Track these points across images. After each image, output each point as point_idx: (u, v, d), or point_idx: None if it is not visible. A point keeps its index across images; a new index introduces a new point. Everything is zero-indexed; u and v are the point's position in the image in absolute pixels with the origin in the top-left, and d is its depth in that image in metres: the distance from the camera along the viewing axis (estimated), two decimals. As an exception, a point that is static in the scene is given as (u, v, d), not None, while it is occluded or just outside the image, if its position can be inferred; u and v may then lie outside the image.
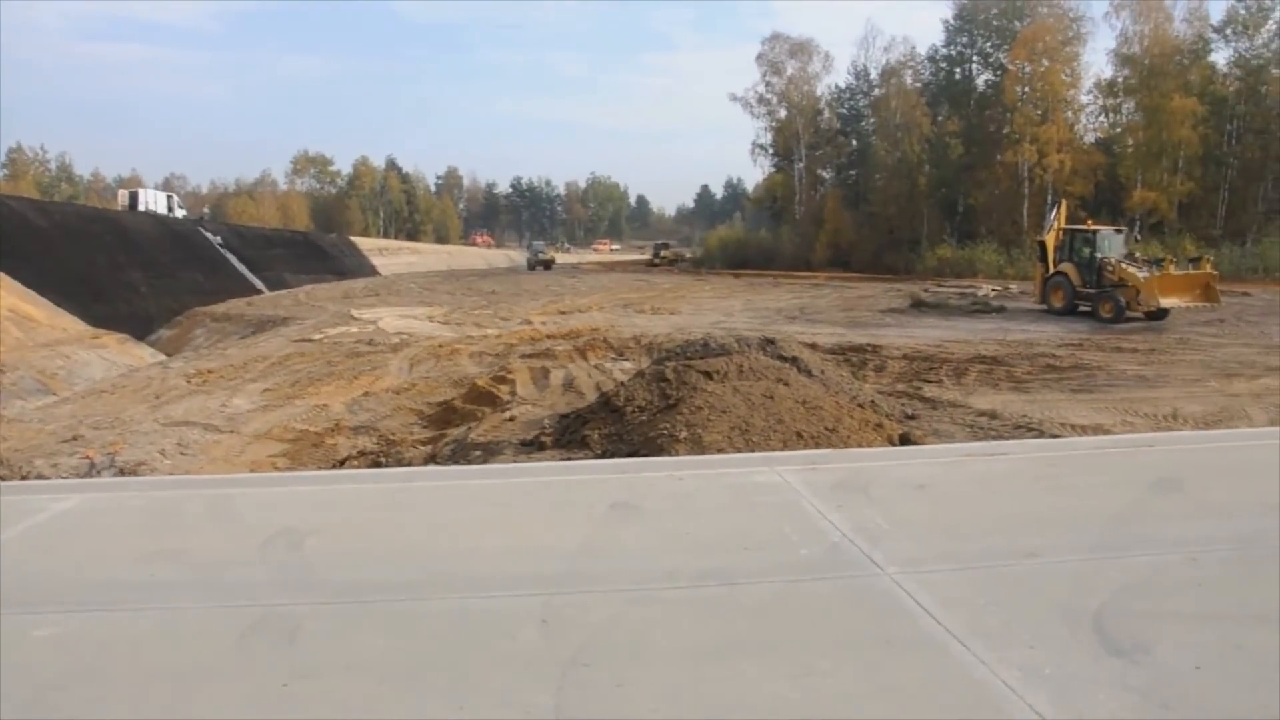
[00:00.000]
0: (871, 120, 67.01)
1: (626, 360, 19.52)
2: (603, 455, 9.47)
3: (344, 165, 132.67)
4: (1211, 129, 57.76)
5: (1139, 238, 39.76)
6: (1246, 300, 33.49)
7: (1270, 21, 60.42)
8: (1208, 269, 28.58)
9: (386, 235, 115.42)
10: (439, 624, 4.25)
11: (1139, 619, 4.23)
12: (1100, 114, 64.21)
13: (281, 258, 58.59)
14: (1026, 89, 59.49)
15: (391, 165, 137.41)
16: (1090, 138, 63.38)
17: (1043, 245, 31.14)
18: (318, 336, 26.01)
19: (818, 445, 8.58)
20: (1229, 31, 60.99)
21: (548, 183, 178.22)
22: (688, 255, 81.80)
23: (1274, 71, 59.76)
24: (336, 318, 31.21)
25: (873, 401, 11.89)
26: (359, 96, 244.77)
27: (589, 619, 4.27)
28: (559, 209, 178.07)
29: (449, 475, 7.39)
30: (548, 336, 24.54)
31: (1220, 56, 61.69)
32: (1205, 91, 58.09)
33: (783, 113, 68.96)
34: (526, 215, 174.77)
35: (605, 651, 3.96)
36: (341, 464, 12.54)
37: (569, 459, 9.40)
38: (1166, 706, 3.52)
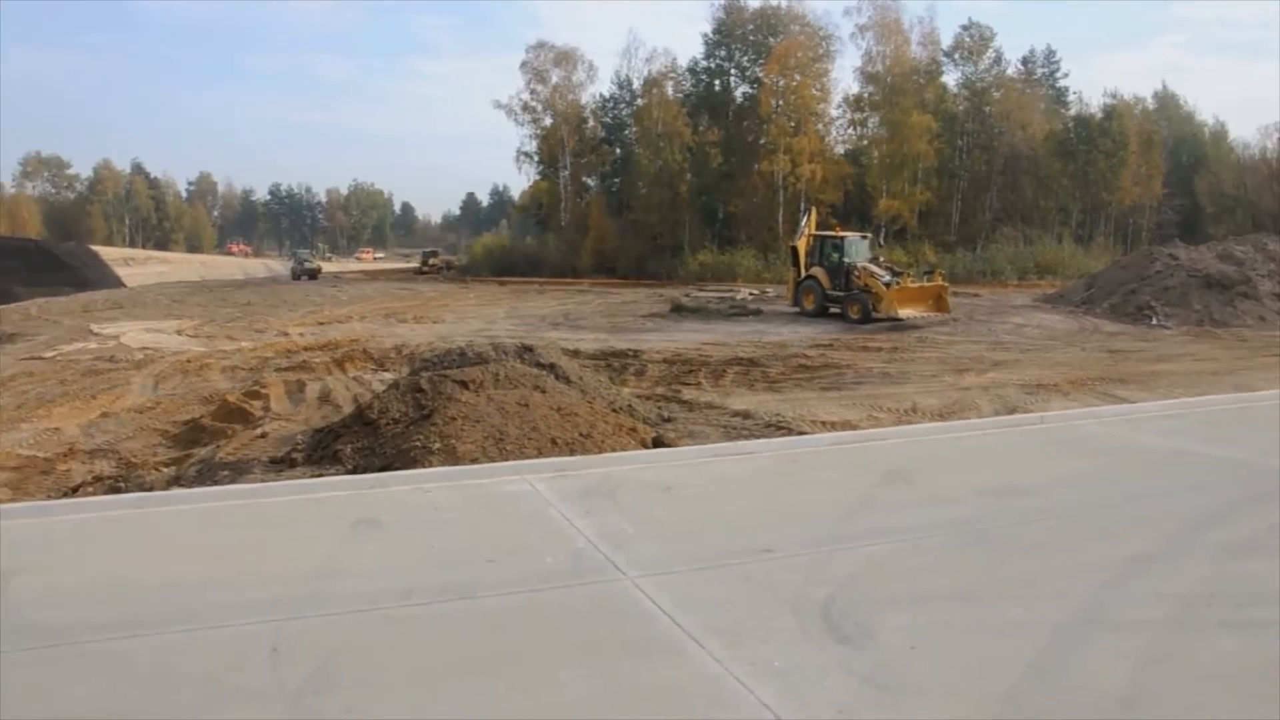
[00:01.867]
0: (634, 129, 68.14)
1: (387, 371, 19.05)
2: (355, 470, 9.18)
3: (83, 169, 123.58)
4: (945, 144, 62.03)
5: (883, 243, 42.13)
6: (977, 301, 36.06)
7: (990, 49, 65.84)
8: (940, 281, 30.66)
9: (133, 244, 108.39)
10: (159, 662, 3.97)
11: (863, 606, 4.45)
12: (849, 127, 67.75)
13: (9, 268, 53.93)
14: (781, 102, 62.00)
15: (138, 169, 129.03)
16: (840, 149, 66.74)
17: (795, 250, 32.52)
18: (50, 354, 24.10)
19: (572, 452, 8.61)
20: (957, 56, 65.94)
21: (308, 189, 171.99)
22: (457, 263, 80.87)
23: (995, 94, 64.97)
24: (74, 333, 29.02)
25: (630, 406, 12.05)
26: (100, 96, 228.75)
27: (322, 644, 4.11)
28: (320, 216, 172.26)
29: (184, 499, 6.96)
30: (305, 348, 23.63)
31: (951, 78, 66.58)
32: (939, 109, 62.42)
33: (548, 121, 69.16)
34: (286, 223, 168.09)
35: (338, 677, 3.82)
36: (74, 491, 11.64)
37: (320, 475, 9.06)
38: (884, 687, 3.71)
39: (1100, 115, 66.40)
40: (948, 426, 9.49)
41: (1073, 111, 69.87)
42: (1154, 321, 28.17)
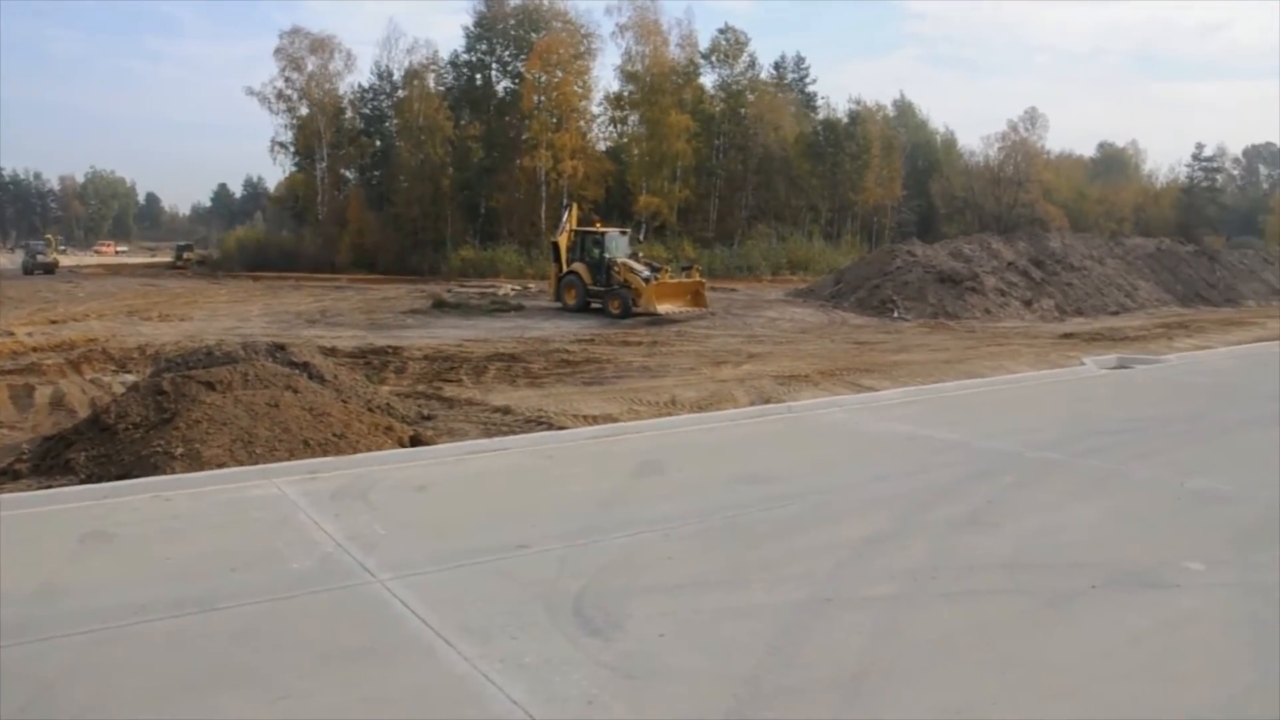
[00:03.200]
0: (395, 121, 66.72)
1: (129, 373, 17.87)
2: (89, 480, 8.55)
3: None
4: (703, 143, 63.98)
5: (643, 239, 42.91)
6: (733, 295, 37.35)
7: (745, 53, 68.36)
8: (697, 277, 31.60)
9: None
10: None
11: (615, 598, 4.50)
12: (610, 124, 68.74)
13: None
14: (543, 98, 62.12)
15: None
16: (602, 146, 67.55)
17: (556, 246, 32.71)
18: None
19: (325, 453, 8.34)
20: (714, 58, 68.07)
21: (38, 175, 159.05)
22: (209, 257, 76.65)
23: (749, 96, 67.50)
24: None
25: (388, 404, 11.79)
26: None
27: (42, 672, 3.79)
28: (54, 206, 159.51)
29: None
30: (34, 349, 21.83)
31: (708, 80, 68.65)
32: (697, 109, 64.25)
33: (304, 110, 66.71)
34: (12, 212, 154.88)
35: (60, 705, 3.53)
36: None
37: (47, 487, 8.39)
38: (632, 676, 3.76)
39: (846, 120, 70.21)
40: (703, 418, 9.76)
41: (821, 116, 73.61)
42: (895, 315, 29.98)
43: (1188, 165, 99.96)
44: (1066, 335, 25.95)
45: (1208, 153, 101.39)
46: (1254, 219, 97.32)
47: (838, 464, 7.30)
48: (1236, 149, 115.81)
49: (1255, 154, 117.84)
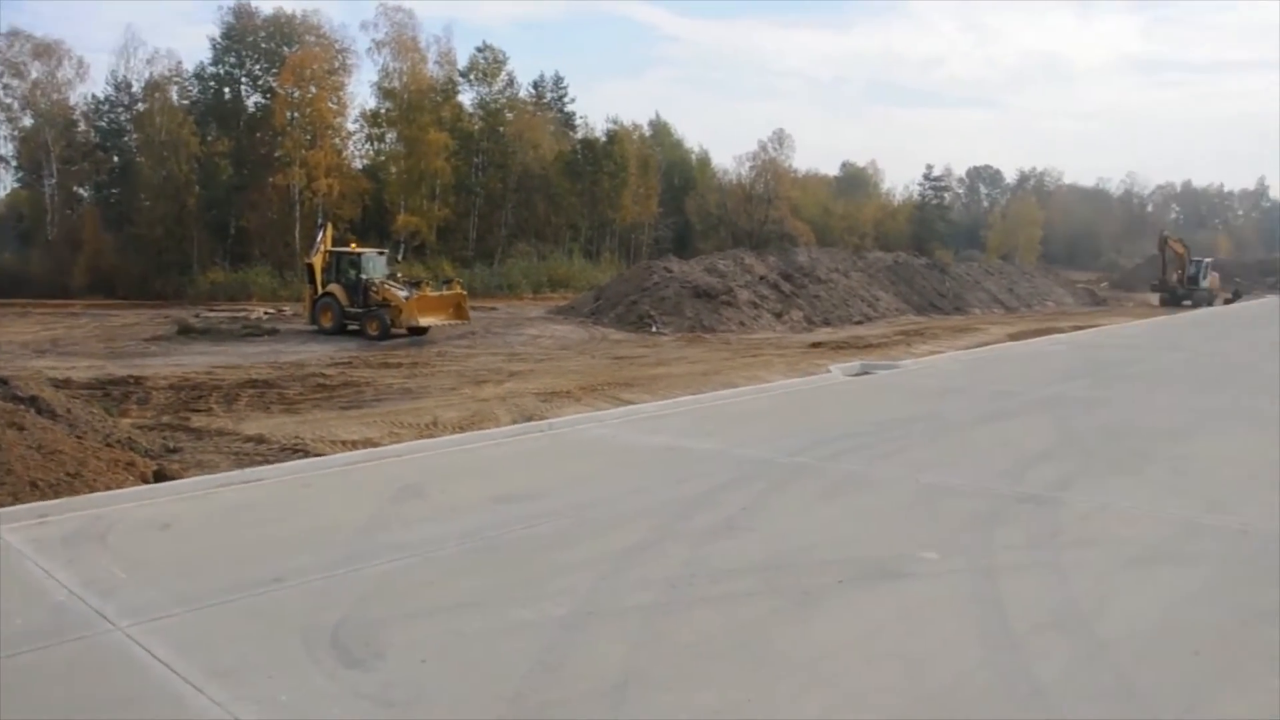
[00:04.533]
0: (135, 136, 62.78)
1: None
2: None
3: None
4: (461, 161, 63.51)
5: (402, 259, 42.21)
6: (494, 314, 37.28)
7: (503, 72, 68.47)
8: (458, 290, 31.36)
9: None
10: None
11: (375, 627, 4.40)
12: (367, 142, 67.13)
13: None
14: (296, 114, 60.04)
15: None
16: (358, 164, 65.91)
17: (311, 267, 31.68)
18: None
19: (57, 494, 7.75)
20: (472, 76, 67.80)
21: None
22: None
23: (508, 115, 67.64)
24: None
25: (129, 438, 11.09)
26: None
27: None
28: None
29: None
30: None
31: (467, 98, 68.25)
32: (455, 127, 63.73)
33: (28, 121, 61.81)
34: None
35: None
36: None
37: None
38: (393, 705, 3.69)
39: (604, 139, 71.33)
40: (465, 438, 9.68)
41: (580, 135, 74.51)
42: (654, 329, 30.69)
43: (920, 185, 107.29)
44: (815, 344, 27.34)
45: (936, 173, 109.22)
46: (977, 234, 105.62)
47: (598, 478, 7.41)
48: (961, 170, 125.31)
49: (976, 175, 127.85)
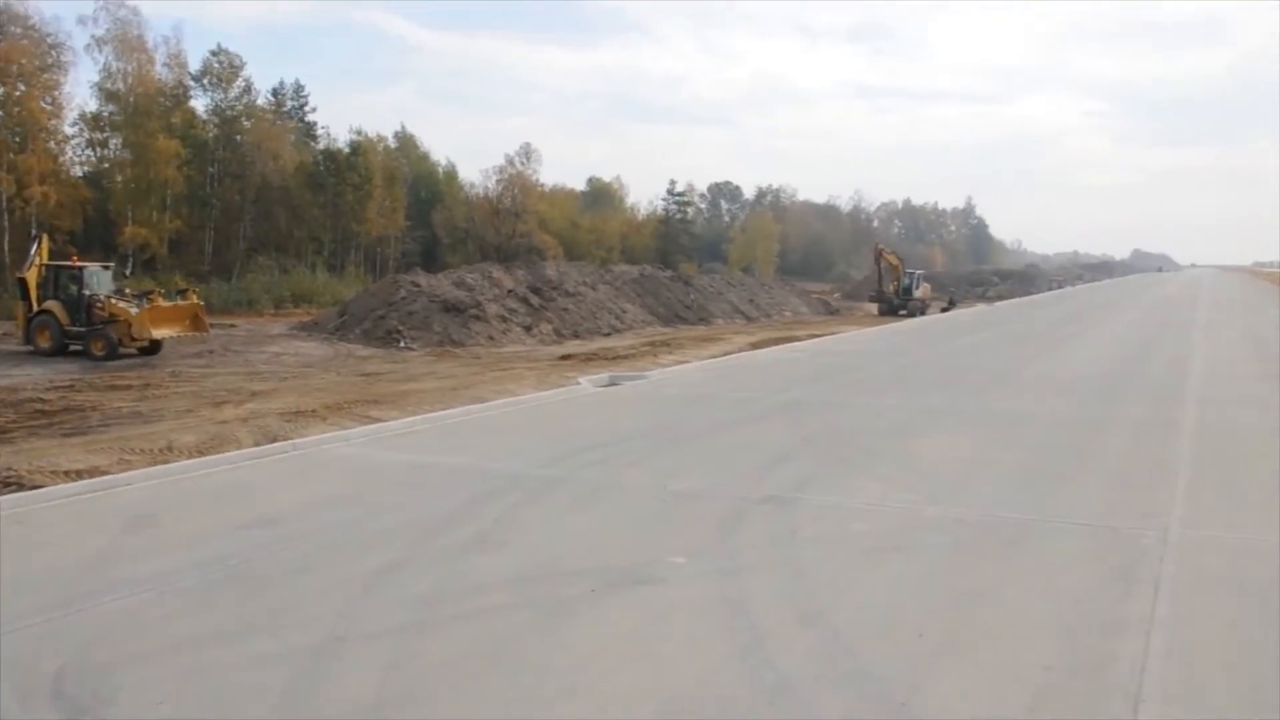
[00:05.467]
0: None
1: None
2: None
3: None
4: (195, 170, 60.22)
5: (131, 273, 39.63)
6: (234, 331, 35.49)
7: (240, 77, 65.38)
8: (194, 300, 29.63)
9: None
10: None
11: (104, 671, 4.12)
12: (87, 147, 62.51)
13: None
14: (2, 114, 55.24)
15: None
16: (78, 171, 61.29)
17: (24, 283, 29.15)
18: None
19: None
20: (206, 81, 64.38)
21: None
22: None
23: (246, 123, 64.71)
24: None
25: None
26: None
27: None
28: None
29: None
30: None
31: (200, 103, 64.74)
32: (188, 135, 60.34)
33: None
34: None
35: None
36: None
37: None
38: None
39: (347, 150, 69.43)
40: (203, 463, 9.18)
41: (322, 145, 72.21)
42: (402, 344, 30.11)
43: (664, 199, 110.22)
44: (565, 357, 27.57)
45: (680, 188, 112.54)
46: (719, 247, 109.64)
47: (346, 499, 7.21)
48: (703, 185, 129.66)
49: (718, 190, 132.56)
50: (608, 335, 36.16)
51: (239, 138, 63.96)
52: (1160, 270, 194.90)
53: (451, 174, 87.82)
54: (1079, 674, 4.14)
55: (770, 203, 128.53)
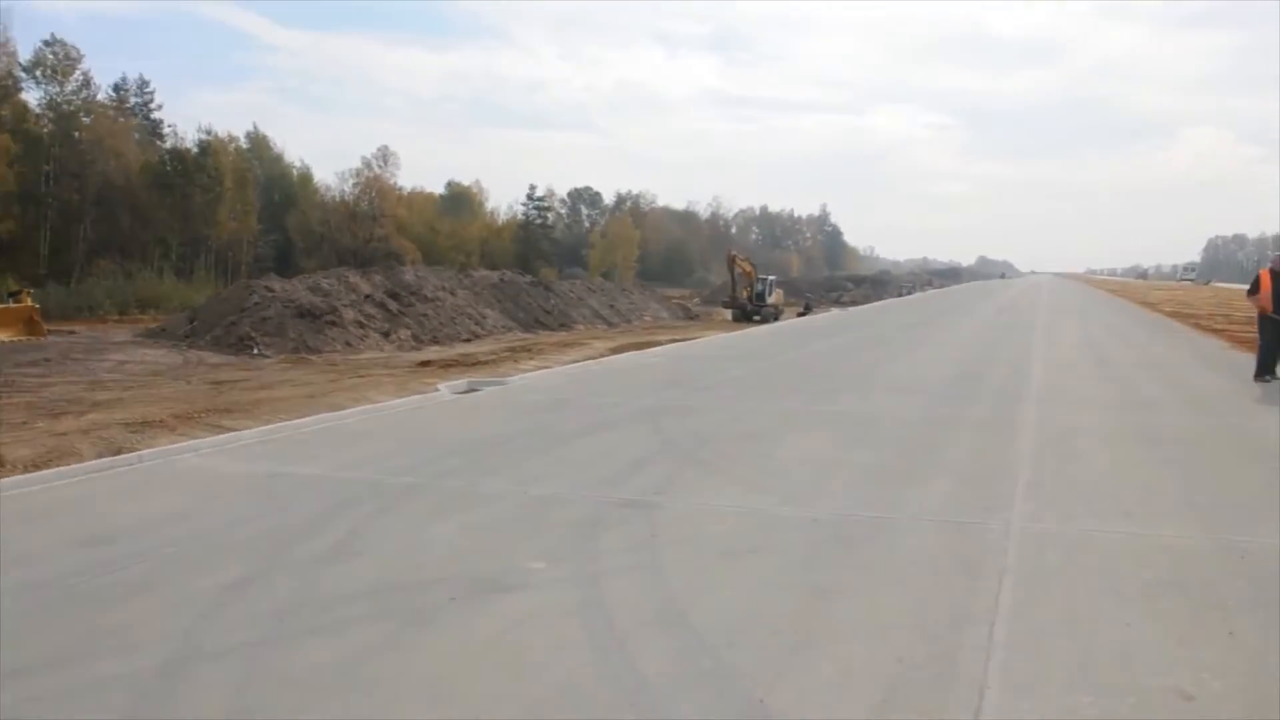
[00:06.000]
0: None
1: None
2: None
3: None
4: (28, 168, 57.30)
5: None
6: (74, 339, 33.80)
7: (78, 71, 62.42)
8: (28, 302, 28.18)
9: None
10: None
11: (-73, 697, 3.88)
12: (-99, 143, 58.82)
13: None
14: None
15: None
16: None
17: None
18: None
19: None
20: (39, 73, 61.26)
21: None
22: None
23: (84, 119, 61.82)
24: None
25: None
26: None
27: None
28: None
29: None
30: None
31: (33, 96, 61.60)
32: (19, 130, 57.35)
33: None
34: None
35: None
36: None
37: None
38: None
39: (196, 150, 67.10)
40: (38, 478, 8.72)
41: (169, 144, 69.61)
42: (255, 351, 29.24)
43: (524, 204, 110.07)
44: (424, 364, 27.19)
45: (540, 194, 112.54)
46: (579, 253, 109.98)
47: (195, 512, 6.95)
48: (563, 191, 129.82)
49: (578, 196, 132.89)
50: (468, 341, 35.84)
51: (77, 134, 61.10)
52: (1003, 276, 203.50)
53: (307, 176, 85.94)
54: (928, 664, 4.29)
55: (630, 209, 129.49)
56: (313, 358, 28.54)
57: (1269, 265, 15.33)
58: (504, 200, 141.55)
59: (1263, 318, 14.98)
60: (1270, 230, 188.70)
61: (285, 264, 64.52)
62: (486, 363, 27.17)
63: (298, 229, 75.99)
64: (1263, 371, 14.80)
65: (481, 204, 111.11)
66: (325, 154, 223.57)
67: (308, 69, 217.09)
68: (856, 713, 3.85)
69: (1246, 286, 16.14)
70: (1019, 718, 3.84)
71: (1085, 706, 3.91)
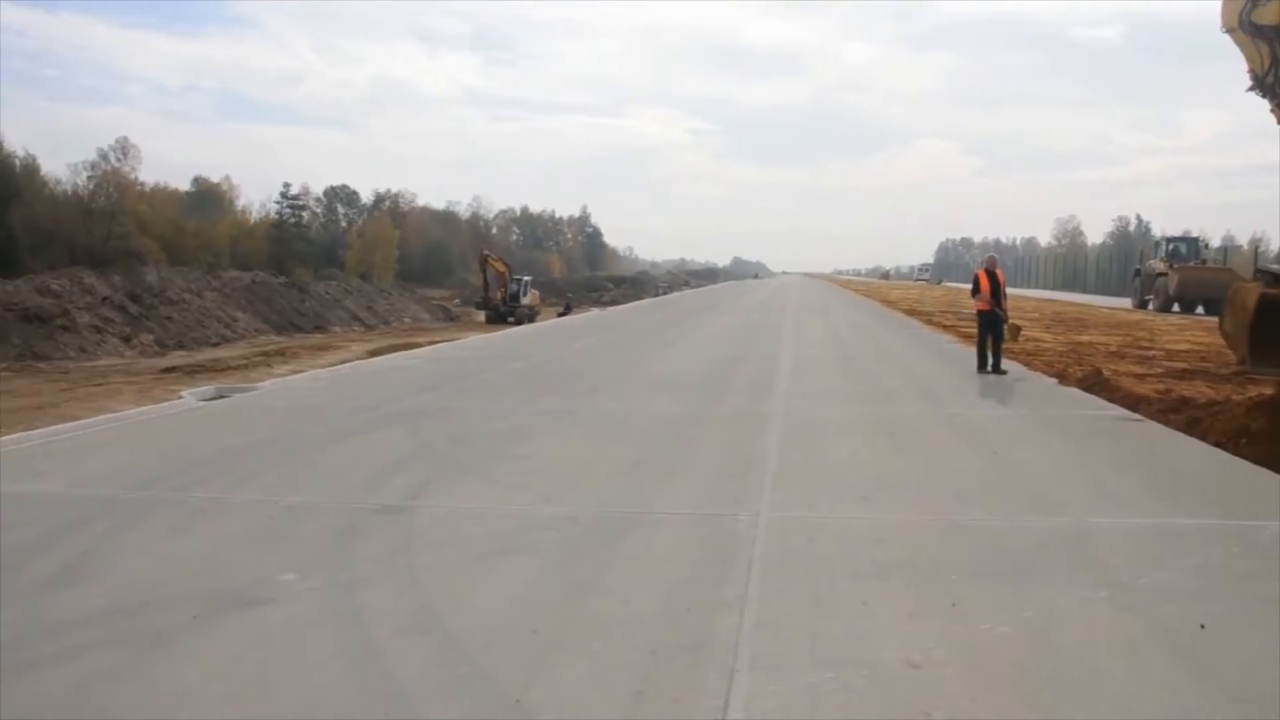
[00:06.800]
0: None
1: None
2: None
3: None
4: None
5: None
6: None
7: None
8: None
9: None
10: None
11: None
12: None
13: None
14: None
15: None
16: None
17: None
18: None
19: None
20: None
21: None
22: None
23: None
24: None
25: None
26: None
27: None
28: None
29: None
30: None
31: None
32: None
33: None
34: None
35: None
36: None
37: None
38: None
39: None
40: None
41: None
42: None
43: (278, 203, 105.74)
44: (169, 369, 25.79)
45: (294, 192, 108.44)
46: (336, 253, 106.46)
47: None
48: (319, 190, 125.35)
49: (334, 195, 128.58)
50: (216, 345, 34.20)
51: None
52: (757, 276, 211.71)
53: (32, 168, 79.27)
54: (680, 654, 4.43)
55: (389, 208, 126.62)
56: (41, 365, 26.52)
57: (984, 266, 16.64)
58: (256, 198, 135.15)
59: (982, 314, 16.25)
60: (991, 234, 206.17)
61: (9, 264, 59.11)
62: (237, 368, 26.04)
63: (23, 225, 69.92)
64: (983, 364, 16.05)
65: (232, 202, 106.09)
66: (56, 145, 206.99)
67: (34, 51, 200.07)
68: (611, 706, 3.94)
69: (970, 286, 17.43)
70: (764, 698, 4.03)
71: (826, 682, 4.15)
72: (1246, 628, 4.83)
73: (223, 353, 31.93)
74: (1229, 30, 13.23)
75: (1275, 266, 14.72)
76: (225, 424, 11.25)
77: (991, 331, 16.10)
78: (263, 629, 4.73)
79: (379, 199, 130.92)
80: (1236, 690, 4.15)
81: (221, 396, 13.21)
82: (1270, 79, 12.61)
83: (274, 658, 4.40)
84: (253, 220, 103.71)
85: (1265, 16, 12.56)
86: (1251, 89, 12.97)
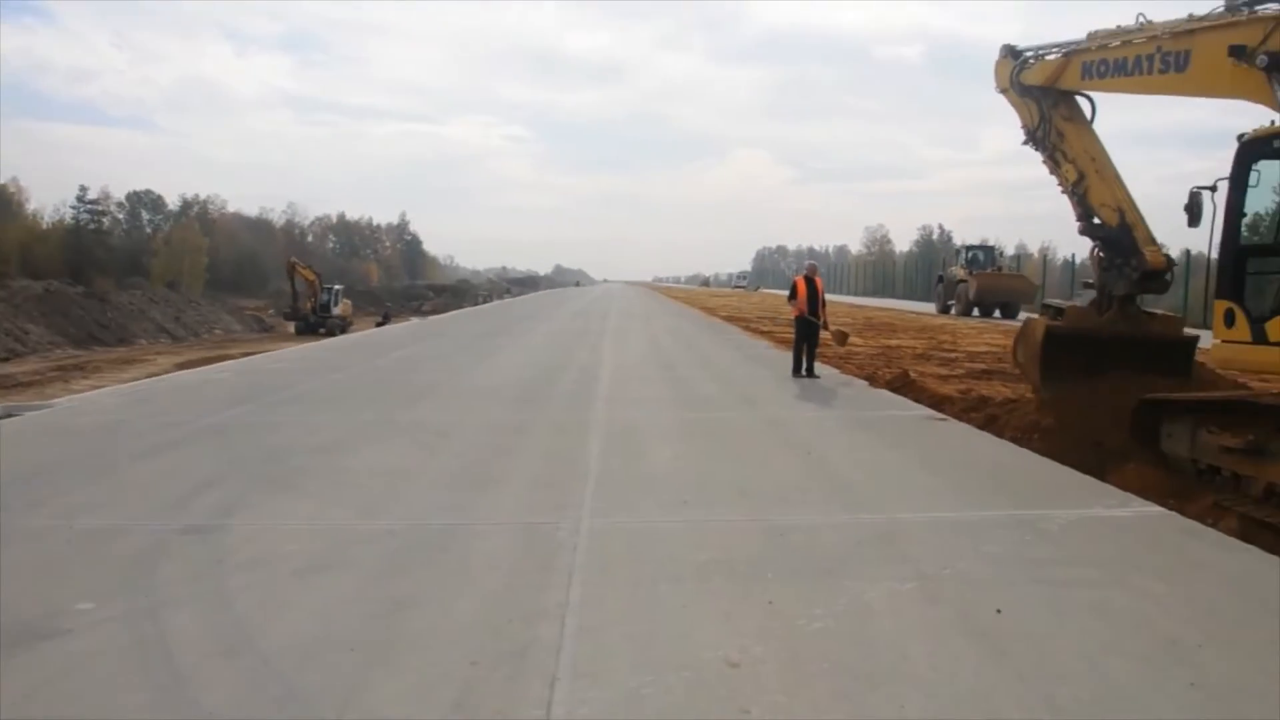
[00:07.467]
0: None
1: None
2: None
3: None
4: None
5: None
6: None
7: None
8: None
9: None
10: None
11: None
12: None
13: None
14: None
15: None
16: None
17: None
18: None
19: None
20: None
21: None
22: None
23: None
24: None
25: None
26: None
27: None
28: None
29: None
30: None
31: None
32: None
33: None
34: None
35: None
36: None
37: None
38: None
39: None
40: None
41: None
42: None
43: (74, 207, 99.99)
44: (-50, 388, 23.98)
45: (93, 195, 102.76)
46: (141, 261, 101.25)
47: None
48: (121, 194, 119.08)
49: (138, 200, 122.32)
50: (6, 360, 32.02)
51: None
52: (578, 284, 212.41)
53: None
54: (501, 664, 4.41)
55: (198, 214, 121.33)
56: None
57: (804, 274, 17.20)
58: (49, 202, 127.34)
59: (799, 319, 16.78)
60: (805, 242, 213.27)
61: None
62: (30, 385, 24.50)
63: None
64: (798, 368, 16.57)
65: (21, 205, 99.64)
66: None
67: None
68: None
69: (787, 292, 17.95)
70: (586, 704, 4.05)
71: (646, 685, 4.21)
72: (1037, 610, 5.16)
73: (12, 368, 29.92)
74: (1002, 91, 14.81)
75: (1058, 301, 16.09)
76: (13, 445, 10.53)
77: (807, 337, 16.64)
78: (59, 662, 4.46)
79: (187, 204, 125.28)
80: (1029, 669, 4.42)
81: (10, 415, 12.38)
82: (1040, 133, 13.95)
83: (71, 693, 4.15)
84: (46, 225, 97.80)
85: (1032, 78, 13.91)
86: (1026, 143, 14.35)
